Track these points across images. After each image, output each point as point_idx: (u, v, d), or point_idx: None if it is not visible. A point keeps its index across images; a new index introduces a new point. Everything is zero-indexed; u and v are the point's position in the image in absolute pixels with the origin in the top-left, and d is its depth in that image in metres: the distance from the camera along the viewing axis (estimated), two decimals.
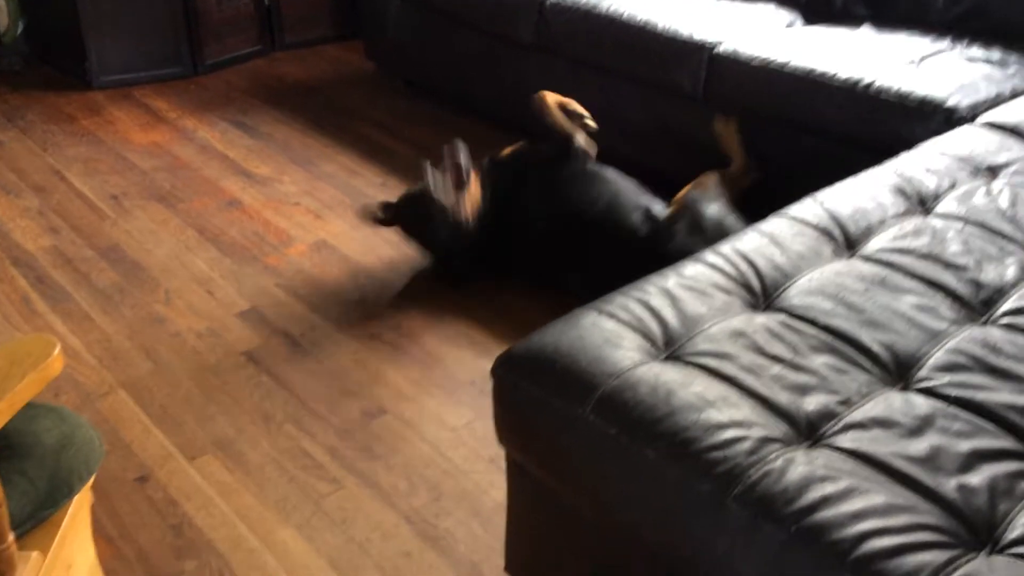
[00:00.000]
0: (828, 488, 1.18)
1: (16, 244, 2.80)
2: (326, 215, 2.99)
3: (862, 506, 1.15)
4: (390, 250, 2.76)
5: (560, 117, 2.69)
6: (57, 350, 1.12)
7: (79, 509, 1.34)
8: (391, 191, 3.11)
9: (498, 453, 2.01)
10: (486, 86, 3.52)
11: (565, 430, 1.36)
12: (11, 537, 1.14)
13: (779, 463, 1.22)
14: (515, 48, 3.33)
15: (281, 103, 3.80)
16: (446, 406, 2.18)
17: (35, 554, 1.22)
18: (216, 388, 2.22)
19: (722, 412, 1.30)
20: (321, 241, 2.84)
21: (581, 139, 2.65)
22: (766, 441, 1.26)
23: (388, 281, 2.65)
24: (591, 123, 2.70)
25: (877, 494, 1.17)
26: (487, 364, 2.27)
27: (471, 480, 1.96)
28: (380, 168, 3.29)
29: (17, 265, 2.69)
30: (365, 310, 2.51)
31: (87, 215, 2.96)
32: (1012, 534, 1.14)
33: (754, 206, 2.43)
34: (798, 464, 1.22)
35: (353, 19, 4.32)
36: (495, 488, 1.94)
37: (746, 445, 1.25)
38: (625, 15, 2.98)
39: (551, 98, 2.73)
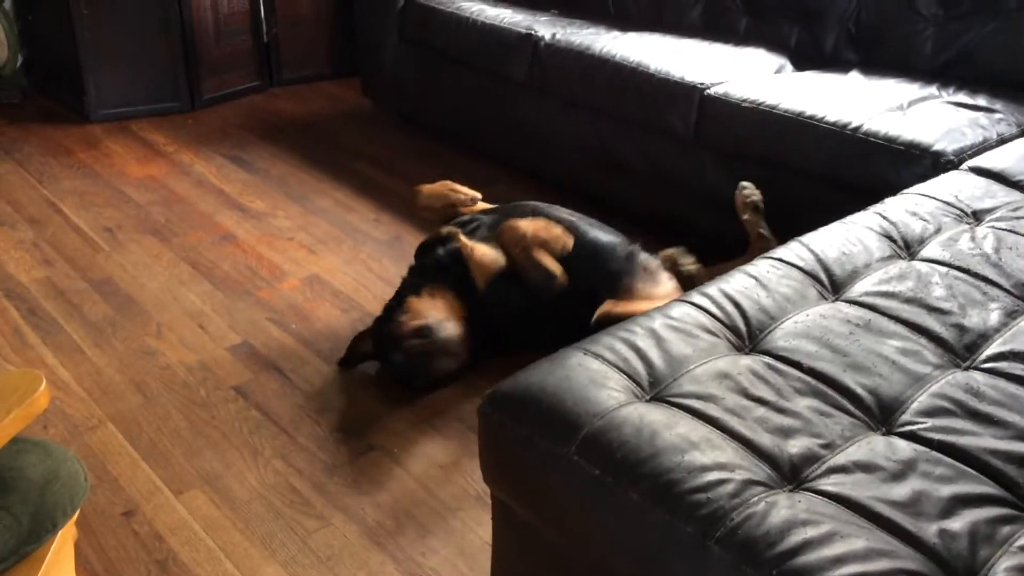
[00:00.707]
0: (809, 532, 1.18)
1: (9, 276, 2.81)
2: (319, 250, 3.00)
3: (843, 551, 1.16)
4: (383, 286, 2.77)
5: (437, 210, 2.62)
6: (43, 386, 1.13)
7: (63, 544, 1.34)
8: (383, 226, 3.14)
9: (486, 491, 2.02)
10: (481, 123, 3.56)
11: (549, 470, 1.36)
12: None
13: (761, 506, 1.22)
14: (509, 87, 3.37)
15: (277, 139, 3.84)
16: (435, 443, 2.18)
17: None
18: (205, 422, 2.23)
19: (706, 454, 1.30)
20: (314, 276, 2.85)
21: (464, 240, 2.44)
22: (749, 484, 1.26)
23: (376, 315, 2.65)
24: (478, 195, 2.63)
25: (858, 538, 1.18)
26: (476, 402, 2.30)
27: (458, 518, 1.96)
28: (374, 204, 3.31)
29: (10, 297, 2.70)
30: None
31: (81, 248, 2.98)
32: None
33: (740, 247, 2.47)
34: (780, 508, 1.22)
35: (350, 57, 4.37)
36: (482, 526, 1.94)
37: (729, 488, 1.25)
38: (618, 56, 3.03)
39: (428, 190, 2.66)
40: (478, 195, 2.64)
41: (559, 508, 1.37)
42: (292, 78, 4.38)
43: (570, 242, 2.37)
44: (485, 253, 2.39)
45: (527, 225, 2.38)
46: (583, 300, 2.28)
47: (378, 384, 2.38)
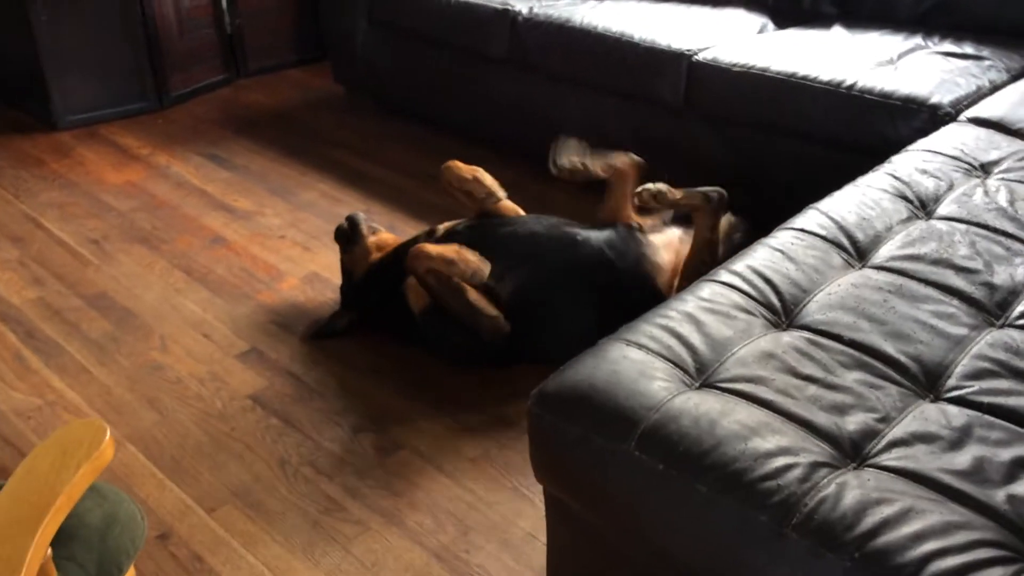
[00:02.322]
0: (885, 511, 1.19)
1: (0, 299, 2.74)
2: (314, 246, 2.96)
3: (921, 527, 1.17)
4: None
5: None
6: (108, 435, 1.09)
7: None
8: (376, 217, 3.10)
9: (520, 482, 2.03)
10: (460, 104, 3.52)
11: (609, 467, 1.36)
12: None
13: (832, 488, 1.23)
14: (488, 64, 3.33)
15: (252, 132, 3.77)
16: (460, 437, 2.17)
17: None
18: (226, 435, 2.20)
19: (767, 439, 1.31)
20: (312, 274, 2.81)
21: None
22: (816, 466, 1.27)
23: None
24: (500, 194, 2.50)
25: (933, 513, 1.19)
26: (496, 392, 2.30)
27: (497, 512, 1.96)
28: (361, 193, 3.27)
29: (5, 320, 2.64)
30: (366, 343, 2.50)
31: (69, 263, 2.91)
32: None
33: (750, 216, 2.46)
34: (851, 488, 1.23)
35: (318, 42, 4.29)
36: (522, 517, 1.94)
37: (797, 472, 1.25)
38: (600, 27, 3.00)
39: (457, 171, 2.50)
40: (501, 193, 2.49)
41: (620, 504, 1.37)
42: (259, 68, 4.30)
43: (486, 270, 2.21)
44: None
45: (435, 248, 2.24)
46: (619, 300, 2.22)
47: (395, 381, 2.36)
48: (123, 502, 1.31)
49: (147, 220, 3.15)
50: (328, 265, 2.84)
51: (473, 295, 2.24)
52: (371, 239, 2.55)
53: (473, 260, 2.21)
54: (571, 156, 2.50)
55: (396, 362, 2.42)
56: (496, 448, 2.13)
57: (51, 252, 2.97)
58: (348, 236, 2.57)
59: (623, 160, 2.50)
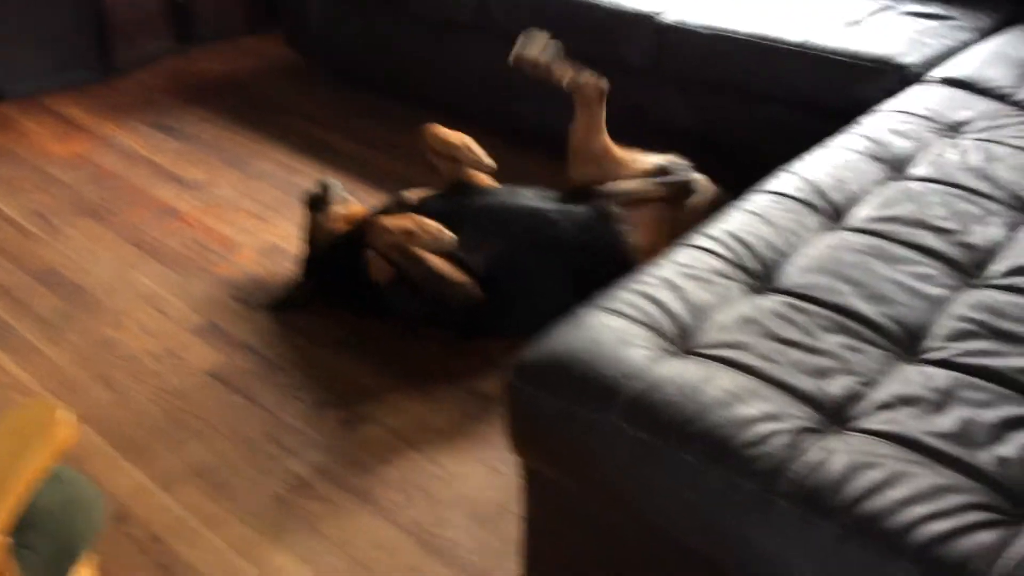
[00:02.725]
0: (873, 475, 1.16)
1: None
2: (270, 217, 2.87)
3: (909, 491, 1.14)
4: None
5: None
6: (62, 415, 1.02)
7: (87, 570, 1.25)
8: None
9: (490, 454, 1.98)
10: (421, 71, 3.42)
11: (593, 439, 1.31)
12: None
13: (819, 453, 1.20)
14: (451, 30, 3.24)
15: (203, 102, 3.64)
16: (427, 409, 2.12)
17: None
18: (184, 412, 2.12)
19: (752, 405, 1.27)
20: (270, 245, 2.73)
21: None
22: (801, 431, 1.24)
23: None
24: (489, 162, 2.37)
25: (921, 477, 1.17)
26: (463, 363, 2.25)
27: (467, 484, 1.92)
28: (317, 162, 3.18)
29: None
30: (327, 315, 2.43)
31: (15, 238, 2.79)
32: None
33: (722, 180, 2.42)
34: (838, 452, 1.20)
35: (270, 9, 4.16)
36: (493, 489, 1.90)
37: (783, 438, 1.22)
38: None
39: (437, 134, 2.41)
40: (489, 162, 2.36)
41: (604, 475, 1.33)
42: (210, 36, 4.15)
43: (446, 237, 2.12)
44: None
45: (392, 221, 2.17)
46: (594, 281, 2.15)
47: (359, 354, 2.29)
48: (80, 485, 1.24)
49: (95, 192, 3.03)
50: (286, 236, 2.76)
51: (438, 263, 2.17)
52: (339, 209, 2.46)
53: (433, 228, 2.14)
54: (536, 50, 2.40)
55: (360, 335, 2.36)
56: (465, 420, 2.08)
57: None
58: (315, 202, 2.48)
59: (589, 79, 2.37)
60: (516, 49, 2.40)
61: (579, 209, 2.27)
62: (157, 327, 2.40)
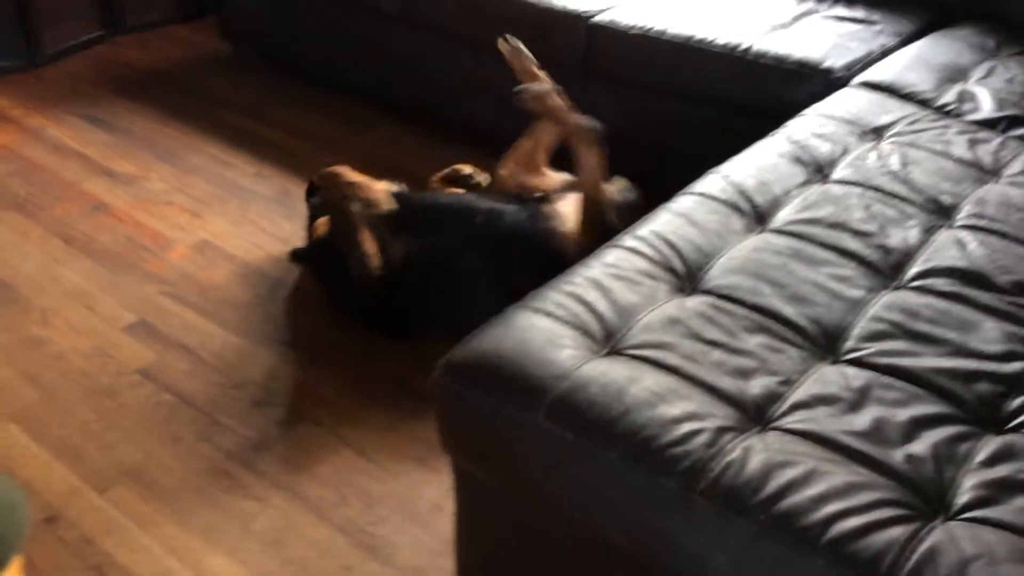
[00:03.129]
0: (789, 473, 1.21)
1: None
2: (203, 212, 2.85)
3: (824, 488, 1.19)
4: (278, 245, 2.66)
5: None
6: None
7: (17, 571, 1.24)
8: (267, 180, 3.00)
9: (426, 452, 2.00)
10: (351, 61, 3.41)
11: (519, 437, 1.34)
12: None
13: (738, 452, 1.24)
14: (382, 22, 3.23)
15: (133, 93, 3.58)
16: (363, 408, 2.13)
17: None
18: (114, 412, 2.10)
19: (674, 405, 1.31)
20: (203, 241, 2.70)
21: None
22: (721, 431, 1.28)
23: (280, 279, 2.55)
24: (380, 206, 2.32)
25: (835, 475, 1.21)
26: (401, 360, 2.26)
27: (402, 483, 1.93)
28: (252, 156, 3.15)
29: None
30: (261, 312, 2.42)
31: None
32: (962, 499, 1.21)
33: (650, 180, 2.46)
34: (756, 451, 1.24)
35: None
36: (428, 488, 1.92)
37: (704, 437, 1.26)
38: None
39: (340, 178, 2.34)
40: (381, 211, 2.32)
41: (530, 474, 1.36)
42: (137, 24, 4.07)
43: (383, 205, 2.23)
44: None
45: (345, 173, 2.28)
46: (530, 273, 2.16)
47: (296, 352, 2.29)
48: (3, 487, 1.23)
49: (21, 186, 2.97)
50: (220, 232, 2.74)
51: (361, 229, 2.21)
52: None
53: (379, 194, 2.23)
54: (542, 86, 2.42)
55: (297, 333, 2.36)
56: (401, 419, 2.09)
57: None
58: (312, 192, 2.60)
59: (588, 123, 2.35)
60: (523, 82, 2.44)
61: (510, 207, 2.30)
62: (86, 325, 2.37)
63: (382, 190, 2.26)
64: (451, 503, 1.64)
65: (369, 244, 2.21)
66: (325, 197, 2.34)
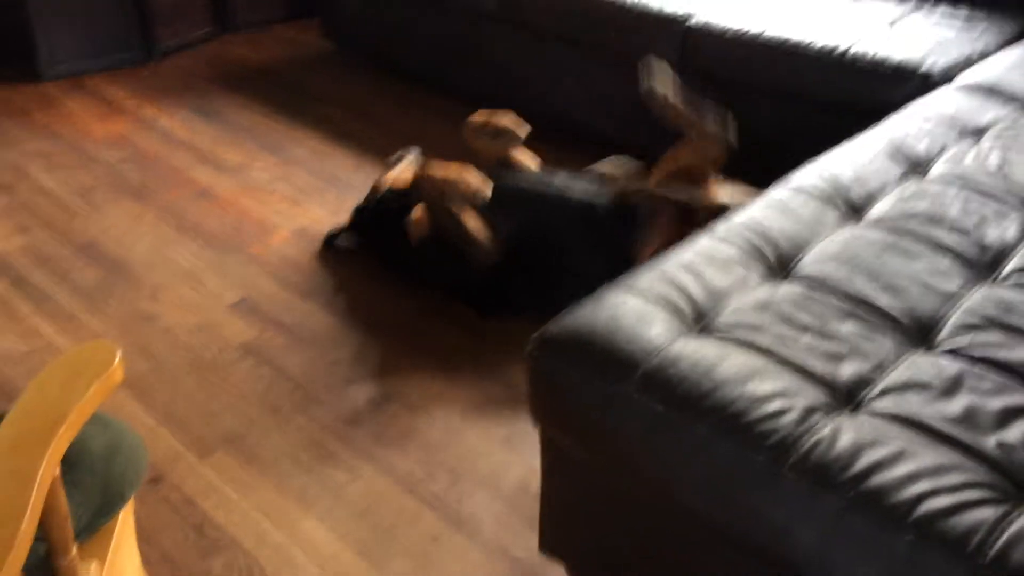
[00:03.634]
0: (879, 452, 1.22)
1: None
2: (303, 201, 2.95)
3: (913, 468, 1.20)
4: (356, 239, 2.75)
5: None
6: (118, 358, 1.10)
7: (127, 516, 1.33)
8: (365, 173, 3.10)
9: (511, 432, 2.05)
10: (450, 61, 3.50)
11: (610, 409, 1.38)
12: (74, 550, 1.13)
13: (828, 431, 1.26)
14: (481, 22, 3.31)
15: (240, 88, 3.74)
16: (450, 389, 2.19)
17: (95, 563, 1.20)
18: (218, 383, 2.20)
19: (764, 383, 1.33)
20: (302, 228, 2.81)
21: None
22: (811, 410, 1.29)
23: (374, 264, 2.63)
24: (520, 132, 2.52)
25: (925, 456, 1.22)
26: (489, 347, 2.32)
27: (488, 462, 1.98)
28: (351, 150, 3.26)
29: None
30: (355, 295, 2.50)
31: (57, 212, 2.89)
32: None
33: (750, 176, 2.47)
34: (846, 431, 1.25)
35: None
36: (513, 468, 1.96)
37: (793, 415, 1.28)
38: None
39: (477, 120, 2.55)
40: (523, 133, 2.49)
41: (620, 446, 1.39)
42: (247, 23, 4.25)
43: (486, 190, 2.27)
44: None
45: (438, 171, 2.30)
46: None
47: (388, 334, 2.37)
48: (125, 432, 1.31)
49: (135, 172, 3.12)
50: (318, 219, 2.84)
51: (468, 220, 2.28)
52: (405, 170, 2.68)
53: (474, 181, 2.27)
54: (667, 85, 2.32)
55: (389, 315, 2.43)
56: (487, 401, 2.14)
57: (38, 201, 2.95)
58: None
59: (714, 134, 2.32)
60: (650, 84, 2.32)
61: (602, 199, 2.35)
62: (194, 302, 2.48)
63: (478, 177, 2.31)
64: (535, 483, 1.68)
65: (480, 232, 2.30)
66: (425, 199, 2.38)
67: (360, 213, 2.66)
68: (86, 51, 3.80)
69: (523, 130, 2.55)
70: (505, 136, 2.55)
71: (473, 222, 2.30)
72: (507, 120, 2.56)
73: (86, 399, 1.05)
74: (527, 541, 1.78)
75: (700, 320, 1.48)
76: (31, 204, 2.93)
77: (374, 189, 2.67)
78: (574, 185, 2.39)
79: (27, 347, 2.31)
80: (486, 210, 2.31)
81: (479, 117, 2.57)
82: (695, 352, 1.38)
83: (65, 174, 3.10)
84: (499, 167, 2.54)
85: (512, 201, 2.36)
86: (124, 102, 3.61)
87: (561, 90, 3.15)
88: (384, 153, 3.21)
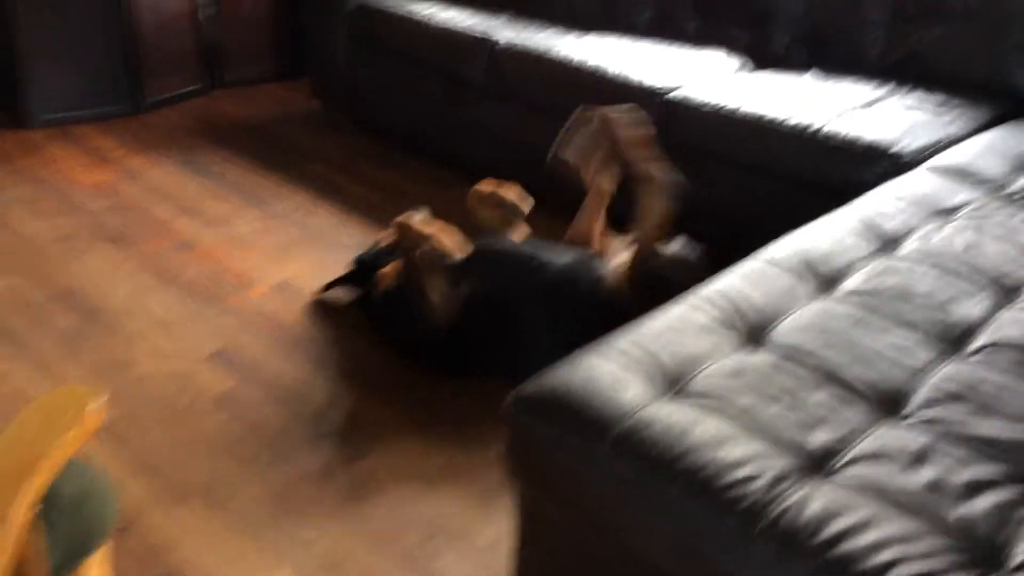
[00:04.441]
0: (847, 520, 1.24)
1: None
2: (285, 256, 2.98)
3: (881, 536, 1.22)
4: (354, 290, 2.76)
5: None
6: (93, 404, 1.11)
7: (103, 562, 1.32)
8: (350, 230, 3.13)
9: (484, 492, 2.05)
10: (438, 126, 3.56)
11: (584, 468, 1.39)
12: None
13: (797, 498, 1.28)
14: (467, 89, 3.39)
15: (228, 142, 3.78)
16: (426, 446, 2.19)
17: None
18: (190, 433, 2.20)
19: (735, 450, 1.35)
20: (283, 282, 2.83)
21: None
22: (781, 477, 1.31)
23: (353, 321, 2.65)
24: (524, 207, 2.57)
25: (892, 524, 1.24)
26: (466, 404, 2.33)
27: (461, 520, 1.98)
28: (336, 207, 3.30)
29: None
30: (336, 351, 2.51)
31: (36, 258, 2.89)
32: (1016, 560, 1.22)
33: (720, 248, 2.52)
34: (815, 498, 1.28)
35: (296, 57, 4.33)
36: (488, 526, 1.96)
37: (763, 481, 1.30)
38: (576, 60, 3.08)
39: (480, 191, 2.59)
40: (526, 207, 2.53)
41: (593, 504, 1.41)
42: (235, 80, 4.32)
43: (454, 255, 2.32)
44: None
45: (418, 224, 2.36)
46: (580, 321, 2.24)
47: (365, 389, 2.38)
48: (97, 478, 1.32)
49: (117, 221, 3.14)
50: (299, 274, 2.86)
51: (433, 280, 2.32)
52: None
53: (449, 243, 2.32)
54: (574, 153, 2.46)
55: (367, 370, 2.44)
56: (462, 458, 2.15)
57: (18, 246, 2.95)
58: None
59: (606, 184, 2.47)
60: (559, 149, 2.47)
61: (564, 256, 2.39)
62: (170, 351, 2.48)
63: (455, 239, 2.36)
64: (506, 542, 1.69)
65: (437, 294, 2.33)
66: (399, 244, 2.44)
67: (359, 264, 2.70)
68: (75, 101, 3.84)
69: (527, 204, 2.59)
70: (508, 209, 2.58)
71: (435, 282, 2.33)
72: (512, 193, 2.59)
73: (61, 444, 1.05)
74: None
75: (674, 385, 1.51)
76: (11, 248, 2.93)
77: (376, 242, 2.72)
78: (559, 258, 2.42)
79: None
80: (459, 270, 2.34)
81: (486, 187, 2.61)
82: (668, 416, 1.41)
83: (47, 220, 3.12)
84: (491, 233, 2.58)
85: (489, 264, 2.40)
86: (111, 152, 3.64)
87: (543, 156, 3.21)
88: (368, 211, 3.26)
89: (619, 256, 2.45)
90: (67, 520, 1.23)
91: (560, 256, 2.41)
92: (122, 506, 1.95)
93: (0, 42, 3.70)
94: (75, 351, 2.46)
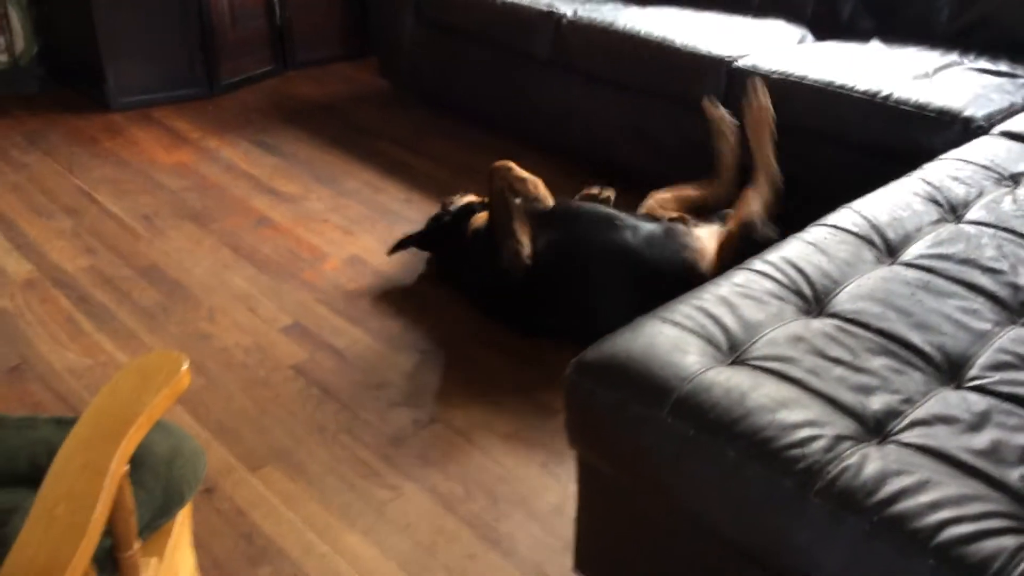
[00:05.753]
0: (903, 481, 1.26)
1: (55, 265, 2.85)
2: (355, 231, 3.06)
3: (937, 496, 1.24)
4: (421, 264, 2.83)
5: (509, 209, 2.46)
6: (185, 366, 1.19)
7: (185, 518, 1.41)
8: (416, 206, 3.20)
9: (548, 458, 2.11)
10: (503, 102, 3.60)
11: (644, 432, 1.43)
12: (137, 545, 1.21)
13: (854, 459, 1.30)
14: (532, 64, 3.41)
15: (299, 122, 3.88)
16: (493, 414, 2.25)
17: (154, 560, 1.28)
18: (269, 401, 2.29)
19: (794, 412, 1.38)
20: (354, 256, 2.91)
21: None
22: (840, 439, 1.34)
23: (422, 293, 2.72)
24: (547, 201, 2.49)
25: (949, 485, 1.26)
26: (529, 374, 2.39)
27: (525, 485, 2.04)
28: (403, 184, 3.36)
29: (58, 286, 2.75)
30: (402, 322, 2.59)
31: (121, 235, 3.02)
32: None
33: (787, 216, 2.52)
34: (872, 459, 1.30)
35: (364, 38, 4.41)
36: (549, 491, 2.01)
37: (821, 443, 1.33)
38: (642, 32, 3.08)
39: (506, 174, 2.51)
40: (548, 204, 2.49)
41: (653, 468, 1.45)
42: (306, 61, 4.41)
43: (548, 202, 2.44)
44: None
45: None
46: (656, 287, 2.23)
47: (432, 359, 2.44)
48: (186, 438, 1.40)
49: (197, 199, 3.26)
50: (369, 248, 2.94)
51: (519, 221, 2.42)
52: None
53: (543, 190, 2.43)
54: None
55: (435, 342, 2.51)
56: (526, 427, 2.21)
57: (103, 224, 3.09)
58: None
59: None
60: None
61: (649, 224, 2.43)
62: (248, 324, 2.58)
63: (546, 190, 2.44)
64: (570, 506, 1.73)
65: (524, 234, 2.42)
66: (490, 188, 2.50)
67: (435, 220, 2.79)
68: (153, 84, 3.97)
69: (609, 192, 2.75)
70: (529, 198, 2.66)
71: (523, 225, 2.42)
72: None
73: (155, 402, 1.13)
74: (562, 562, 1.83)
75: (734, 351, 1.54)
76: (97, 227, 3.07)
77: (450, 202, 2.82)
78: (644, 223, 2.48)
79: (90, 361, 2.42)
80: (546, 218, 2.45)
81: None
82: (728, 380, 1.44)
83: (130, 199, 3.25)
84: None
85: (565, 220, 2.48)
86: (188, 133, 3.77)
87: (610, 130, 3.23)
88: (435, 187, 3.32)
89: (705, 232, 2.47)
90: (158, 478, 1.31)
91: (648, 223, 2.48)
92: (207, 469, 2.06)
93: (82, 31, 3.83)
94: (160, 324, 2.58)
